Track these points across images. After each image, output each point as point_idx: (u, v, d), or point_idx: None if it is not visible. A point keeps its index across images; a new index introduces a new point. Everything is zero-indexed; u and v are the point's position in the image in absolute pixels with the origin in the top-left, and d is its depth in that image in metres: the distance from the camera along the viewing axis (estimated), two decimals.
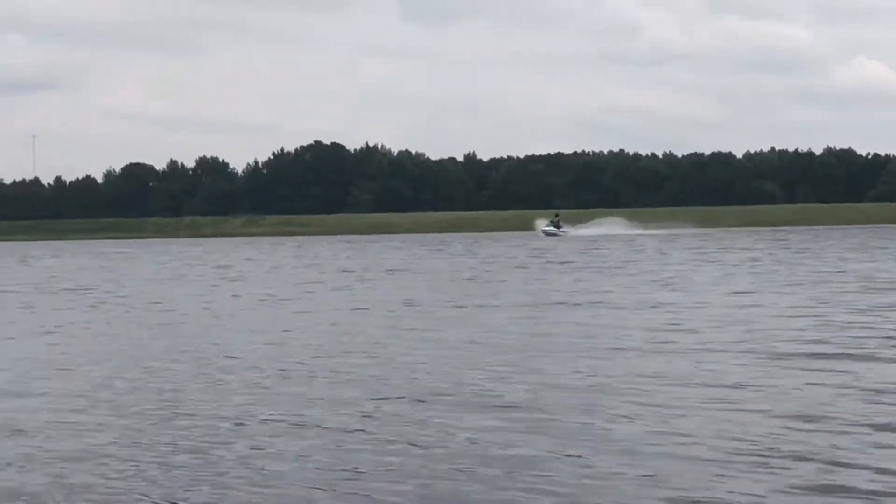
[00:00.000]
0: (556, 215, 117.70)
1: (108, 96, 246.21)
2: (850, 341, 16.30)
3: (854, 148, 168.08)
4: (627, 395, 12.13)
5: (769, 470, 7.87)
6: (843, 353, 14.97)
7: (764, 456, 8.32)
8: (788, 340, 16.99)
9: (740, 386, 12.36)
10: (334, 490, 7.70)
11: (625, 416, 10.53)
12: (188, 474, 8.43)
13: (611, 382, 13.39)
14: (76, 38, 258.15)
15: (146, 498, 7.73)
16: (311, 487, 7.82)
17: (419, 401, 11.83)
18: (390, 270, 46.22)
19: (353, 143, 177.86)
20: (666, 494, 7.09)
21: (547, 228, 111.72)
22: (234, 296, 32.38)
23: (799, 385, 12.31)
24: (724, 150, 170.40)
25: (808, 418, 10.09)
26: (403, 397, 12.15)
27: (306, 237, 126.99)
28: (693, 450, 8.63)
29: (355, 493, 7.50)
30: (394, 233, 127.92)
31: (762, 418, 10.32)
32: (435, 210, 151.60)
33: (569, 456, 8.66)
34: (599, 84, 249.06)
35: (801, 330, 18.16)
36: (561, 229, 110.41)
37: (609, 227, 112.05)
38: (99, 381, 14.35)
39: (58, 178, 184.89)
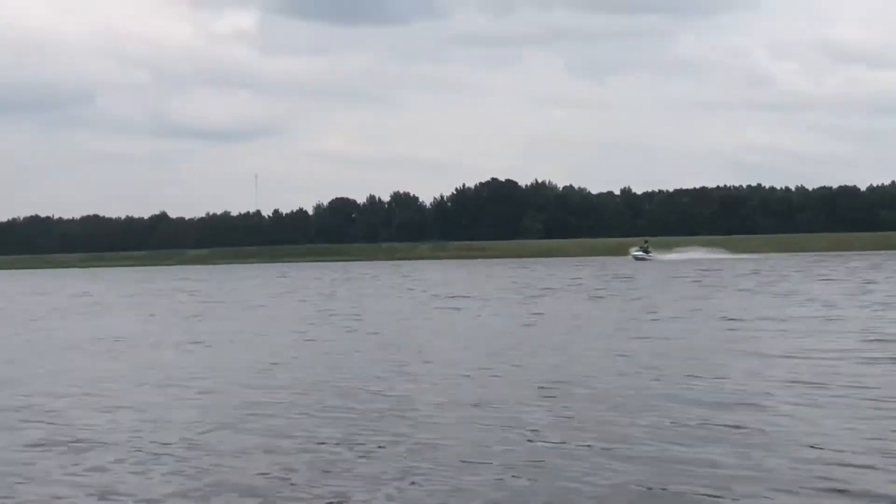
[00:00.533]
0: (646, 241, 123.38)
1: (316, 141, 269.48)
2: None
3: None
4: None
5: None
6: None
7: None
8: None
9: None
10: None
11: None
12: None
13: None
14: (291, 92, 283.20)
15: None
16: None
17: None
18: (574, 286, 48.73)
19: (524, 180, 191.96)
20: None
21: (637, 253, 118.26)
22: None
23: None
24: (850, 183, 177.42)
25: None
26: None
27: (487, 260, 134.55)
28: None
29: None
30: (560, 256, 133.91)
31: None
32: (594, 237, 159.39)
33: None
34: (739, 126, 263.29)
35: None
36: (649, 254, 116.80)
37: (691, 253, 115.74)
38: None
39: (275, 211, 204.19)
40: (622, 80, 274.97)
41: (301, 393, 14.78)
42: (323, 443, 11.00)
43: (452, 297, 43.40)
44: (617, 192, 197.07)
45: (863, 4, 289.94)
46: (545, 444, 10.31)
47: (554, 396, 13.78)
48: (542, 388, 14.67)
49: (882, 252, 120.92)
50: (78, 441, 11.78)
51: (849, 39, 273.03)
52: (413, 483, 8.92)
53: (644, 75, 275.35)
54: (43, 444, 11.82)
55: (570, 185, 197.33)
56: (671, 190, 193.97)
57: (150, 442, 11.56)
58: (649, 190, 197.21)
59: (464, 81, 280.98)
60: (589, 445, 10.02)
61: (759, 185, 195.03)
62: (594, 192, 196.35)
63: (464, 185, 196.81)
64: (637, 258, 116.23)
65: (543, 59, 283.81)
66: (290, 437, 11.76)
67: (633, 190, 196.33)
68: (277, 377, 17.27)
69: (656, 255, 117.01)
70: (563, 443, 10.24)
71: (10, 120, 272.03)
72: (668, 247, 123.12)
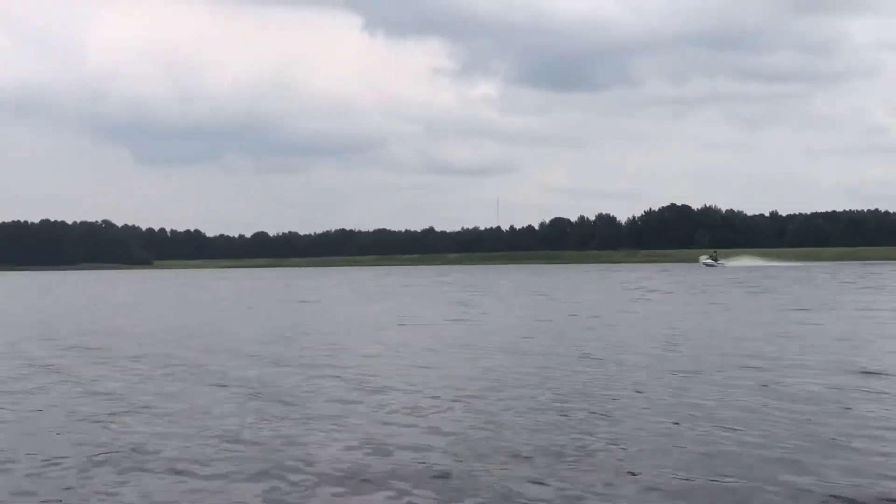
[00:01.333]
0: (715, 252, 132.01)
1: (541, 176, 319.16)
2: None
3: None
4: None
5: None
6: None
7: None
8: None
9: None
10: None
11: None
12: None
13: None
14: (523, 141, 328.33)
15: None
16: None
17: None
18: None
19: (696, 205, 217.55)
20: None
21: (707, 261, 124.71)
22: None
23: None
24: None
25: None
26: None
27: (666, 264, 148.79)
28: None
29: None
30: None
31: None
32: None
33: None
34: (861, 165, 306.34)
35: None
36: (718, 262, 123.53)
37: (747, 262, 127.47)
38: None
39: (511, 226, 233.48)
40: (769, 130, 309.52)
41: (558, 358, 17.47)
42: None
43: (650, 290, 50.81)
44: (766, 214, 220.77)
45: None
46: None
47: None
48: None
49: None
50: (383, 388, 14.35)
51: None
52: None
53: (786, 128, 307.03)
54: (357, 389, 14.61)
55: (731, 209, 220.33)
56: (808, 213, 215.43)
57: (441, 388, 14.09)
58: (791, 213, 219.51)
59: (650, 132, 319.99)
60: None
61: (877, 209, 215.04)
62: (749, 213, 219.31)
63: (649, 209, 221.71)
64: (707, 265, 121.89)
65: (709, 115, 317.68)
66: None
67: (779, 212, 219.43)
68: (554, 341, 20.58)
69: (724, 263, 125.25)
70: None
71: (325, 161, 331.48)
72: (726, 257, 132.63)
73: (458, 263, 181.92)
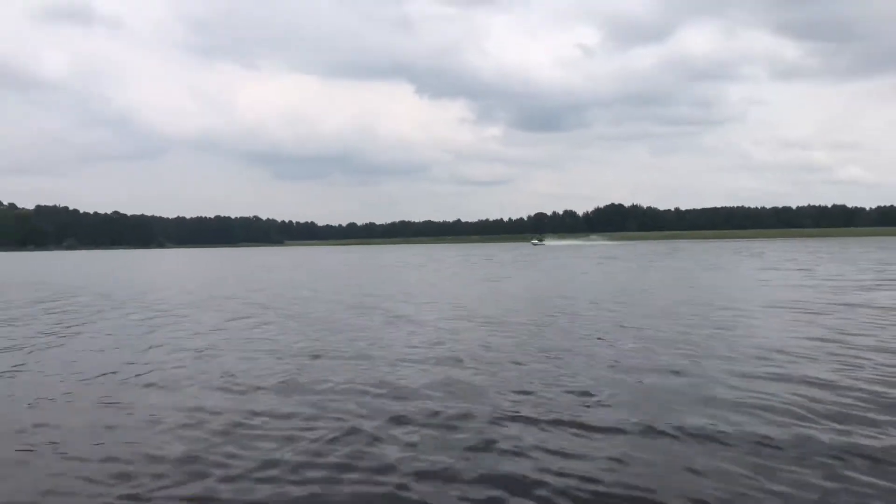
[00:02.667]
0: (541, 235, 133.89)
1: (529, 186, 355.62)
2: None
3: None
4: None
5: None
6: None
7: None
8: None
9: None
10: None
11: None
12: None
13: None
14: (517, 164, 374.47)
15: None
16: None
17: None
18: None
19: (627, 203, 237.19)
20: None
21: (534, 242, 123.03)
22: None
23: None
24: None
25: None
26: None
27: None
28: None
29: None
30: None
31: None
32: None
33: None
34: (735, 178, 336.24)
35: None
36: (543, 242, 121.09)
37: (569, 241, 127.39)
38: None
39: (510, 218, 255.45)
40: (675, 156, 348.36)
41: None
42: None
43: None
44: (672, 209, 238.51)
45: None
46: None
47: None
48: None
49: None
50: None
51: None
52: None
53: (685, 154, 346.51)
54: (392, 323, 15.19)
55: (650, 206, 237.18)
56: (699, 208, 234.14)
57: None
58: (689, 208, 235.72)
59: (599, 157, 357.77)
60: None
61: (742, 206, 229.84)
62: (661, 209, 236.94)
63: (598, 206, 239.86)
64: (534, 244, 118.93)
65: (636, 147, 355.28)
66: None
67: (681, 208, 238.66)
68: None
69: (546, 243, 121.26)
70: None
71: (393, 177, 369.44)
72: (561, 239, 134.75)
73: (477, 242, 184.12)
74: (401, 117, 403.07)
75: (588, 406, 7.92)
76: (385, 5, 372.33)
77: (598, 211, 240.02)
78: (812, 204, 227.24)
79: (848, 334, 12.47)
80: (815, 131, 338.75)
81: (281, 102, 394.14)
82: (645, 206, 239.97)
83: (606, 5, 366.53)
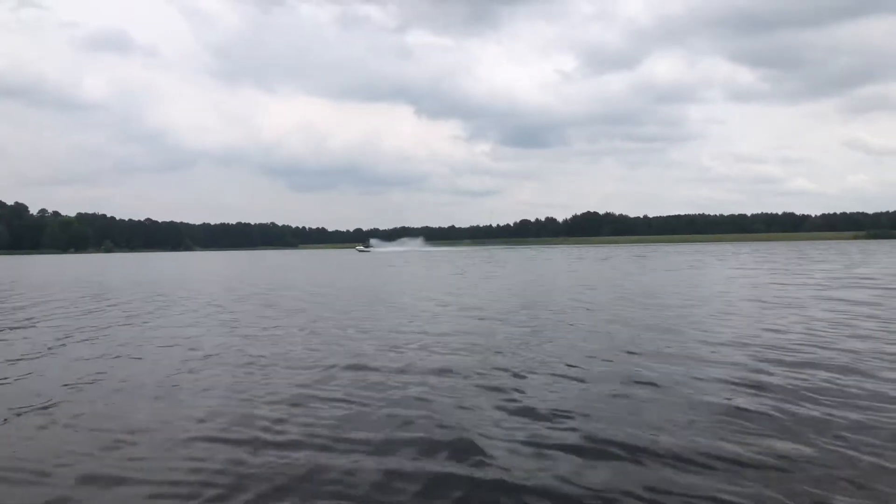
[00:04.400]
0: (368, 241, 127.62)
1: (515, 196, 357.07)
2: None
3: None
4: None
5: None
6: None
7: None
8: None
9: None
10: None
11: None
12: None
13: None
14: (505, 176, 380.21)
15: None
16: None
17: None
18: None
19: (601, 211, 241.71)
20: None
21: (360, 248, 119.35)
22: None
23: None
24: None
25: None
26: None
27: (586, 246, 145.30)
28: None
29: None
30: None
31: None
32: None
33: None
34: (696, 188, 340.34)
35: None
36: (369, 248, 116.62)
37: (410, 245, 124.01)
38: None
39: (498, 224, 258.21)
40: (644, 170, 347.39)
41: None
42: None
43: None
44: (641, 216, 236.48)
45: None
46: None
47: None
48: None
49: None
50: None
51: None
52: None
53: (653, 168, 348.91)
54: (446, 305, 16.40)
55: (621, 213, 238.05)
56: (665, 215, 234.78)
57: None
58: (656, 215, 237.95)
59: (576, 170, 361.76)
60: None
61: (703, 213, 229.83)
62: (631, 216, 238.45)
63: (576, 213, 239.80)
64: (360, 251, 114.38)
65: (609, 161, 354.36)
66: None
67: (649, 215, 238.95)
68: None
69: (373, 249, 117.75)
70: None
71: (395, 188, 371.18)
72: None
73: (470, 245, 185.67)
74: (402, 135, 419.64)
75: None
76: (387, 36, 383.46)
77: (575, 217, 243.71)
78: (764, 212, 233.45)
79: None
80: (767, 147, 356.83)
81: (296, 121, 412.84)
82: (617, 214, 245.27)
83: (583, 36, 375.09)
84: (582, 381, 8.21)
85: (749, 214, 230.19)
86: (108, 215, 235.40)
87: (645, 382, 7.98)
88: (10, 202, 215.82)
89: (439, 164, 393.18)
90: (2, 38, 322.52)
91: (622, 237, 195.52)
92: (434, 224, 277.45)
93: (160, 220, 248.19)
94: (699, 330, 12.29)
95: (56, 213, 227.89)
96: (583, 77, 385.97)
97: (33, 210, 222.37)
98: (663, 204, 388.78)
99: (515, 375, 8.51)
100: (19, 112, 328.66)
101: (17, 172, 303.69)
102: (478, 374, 8.64)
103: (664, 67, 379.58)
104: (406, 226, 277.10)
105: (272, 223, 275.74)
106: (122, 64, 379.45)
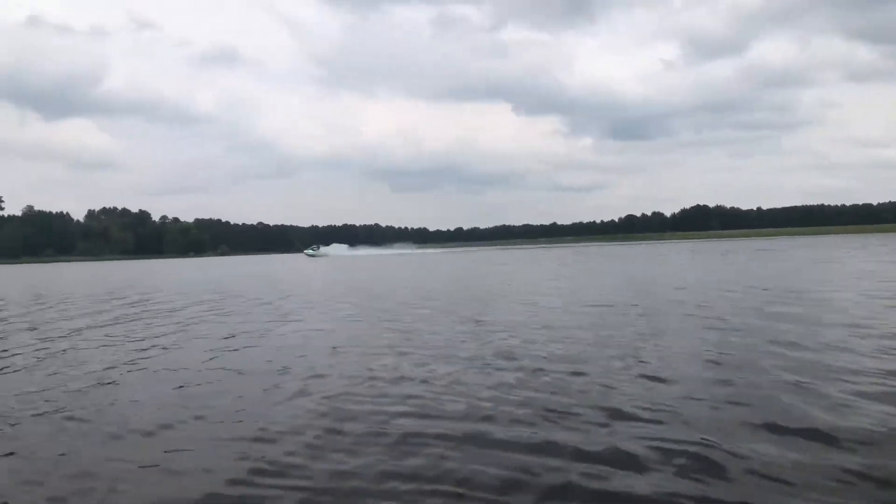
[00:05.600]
0: (317, 245, 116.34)
1: (619, 191, 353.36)
2: None
3: None
4: None
5: None
6: None
7: None
8: None
9: None
10: None
11: None
12: None
13: None
14: (608, 171, 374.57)
15: None
16: None
17: None
18: None
19: (711, 204, 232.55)
20: None
21: (308, 252, 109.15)
22: None
23: None
24: None
25: None
26: None
27: (694, 241, 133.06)
28: None
29: None
30: None
31: None
32: None
33: None
34: (811, 178, 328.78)
35: None
36: (319, 252, 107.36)
37: (343, 251, 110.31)
38: None
39: (602, 220, 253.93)
40: (753, 159, 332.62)
41: None
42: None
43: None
44: (754, 209, 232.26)
45: None
46: None
47: None
48: None
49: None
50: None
51: None
52: None
53: (764, 157, 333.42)
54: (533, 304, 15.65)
55: (732, 206, 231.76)
56: (779, 207, 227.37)
57: None
58: (770, 207, 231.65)
59: (681, 162, 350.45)
60: None
61: (822, 204, 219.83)
62: (743, 208, 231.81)
63: (684, 207, 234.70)
64: (308, 255, 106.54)
65: (716, 152, 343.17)
66: None
67: (762, 207, 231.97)
68: None
69: (326, 252, 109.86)
70: None
71: (495, 186, 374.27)
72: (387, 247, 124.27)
73: (571, 244, 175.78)
74: (499, 133, 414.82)
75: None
76: (482, 34, 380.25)
77: (683, 211, 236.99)
78: (892, 200, 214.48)
79: None
80: (890, 130, 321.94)
81: (395, 124, 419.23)
82: (728, 206, 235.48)
83: (686, 23, 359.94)
84: None
85: (875, 203, 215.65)
86: (223, 220, 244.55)
87: None
88: (134, 210, 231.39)
89: (538, 161, 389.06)
90: (123, 60, 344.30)
91: (734, 231, 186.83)
92: (535, 222, 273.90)
93: (271, 224, 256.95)
94: None
95: (176, 220, 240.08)
96: (686, 65, 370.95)
97: (155, 217, 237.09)
98: (776, 195, 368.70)
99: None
100: (140, 127, 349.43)
101: (140, 183, 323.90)
102: None
103: (774, 50, 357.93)
104: (506, 224, 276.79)
105: (375, 224, 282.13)
106: (231, 77, 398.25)
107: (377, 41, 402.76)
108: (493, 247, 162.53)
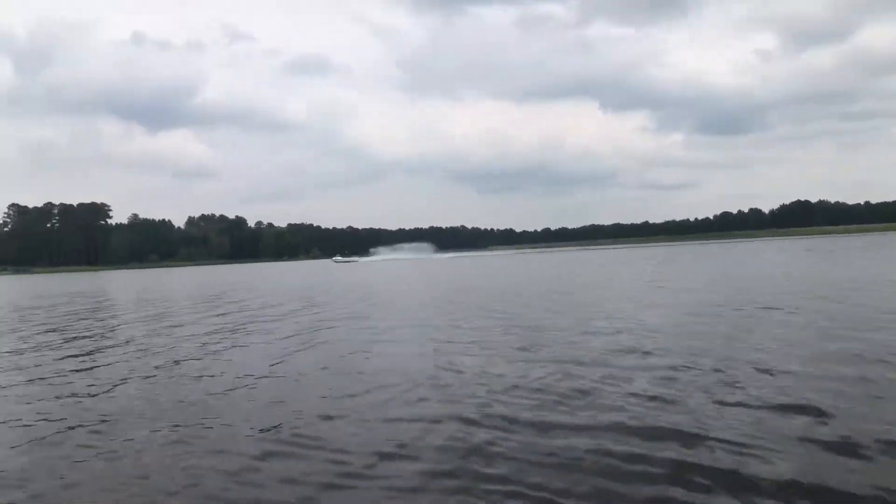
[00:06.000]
0: (346, 252, 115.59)
1: (712, 188, 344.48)
2: None
3: None
4: None
5: None
6: None
7: None
8: None
9: None
10: None
11: None
12: None
13: None
14: (697, 168, 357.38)
15: None
16: None
17: None
18: None
19: (813, 199, 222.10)
20: None
21: (338, 259, 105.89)
22: None
23: None
24: None
25: None
26: None
27: (795, 238, 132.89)
28: None
29: None
30: None
31: None
32: None
33: None
34: None
35: None
36: (352, 259, 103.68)
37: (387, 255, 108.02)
38: None
39: (695, 218, 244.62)
40: (858, 151, 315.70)
41: None
42: None
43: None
44: (862, 203, 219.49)
45: None
46: None
47: None
48: None
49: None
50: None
51: None
52: None
53: (871, 149, 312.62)
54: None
55: (837, 201, 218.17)
56: (890, 201, 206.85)
57: None
58: (879, 201, 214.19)
59: (780, 157, 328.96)
60: None
61: None
62: (849, 203, 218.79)
63: (783, 203, 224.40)
64: (336, 262, 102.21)
65: (819, 144, 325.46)
66: None
67: (871, 202, 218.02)
68: None
69: (357, 259, 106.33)
70: None
71: (582, 186, 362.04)
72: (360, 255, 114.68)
73: (665, 242, 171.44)
74: (586, 131, 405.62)
75: None
76: (568, 31, 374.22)
77: (783, 207, 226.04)
78: None
79: None
80: None
81: (481, 126, 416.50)
82: (832, 202, 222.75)
83: (783, 11, 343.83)
84: None
85: None
86: (314, 225, 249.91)
87: None
88: (231, 216, 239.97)
89: (626, 158, 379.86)
90: (219, 72, 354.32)
91: (840, 227, 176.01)
92: (625, 220, 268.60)
93: (360, 228, 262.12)
94: None
95: (270, 225, 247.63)
96: (784, 55, 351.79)
97: (251, 223, 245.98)
98: (887, 188, 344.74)
99: None
100: (236, 136, 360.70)
101: (236, 190, 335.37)
102: None
103: (881, 35, 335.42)
104: (595, 223, 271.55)
105: (462, 226, 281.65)
106: (321, 85, 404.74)
107: (462, 44, 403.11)
108: (581, 247, 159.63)
